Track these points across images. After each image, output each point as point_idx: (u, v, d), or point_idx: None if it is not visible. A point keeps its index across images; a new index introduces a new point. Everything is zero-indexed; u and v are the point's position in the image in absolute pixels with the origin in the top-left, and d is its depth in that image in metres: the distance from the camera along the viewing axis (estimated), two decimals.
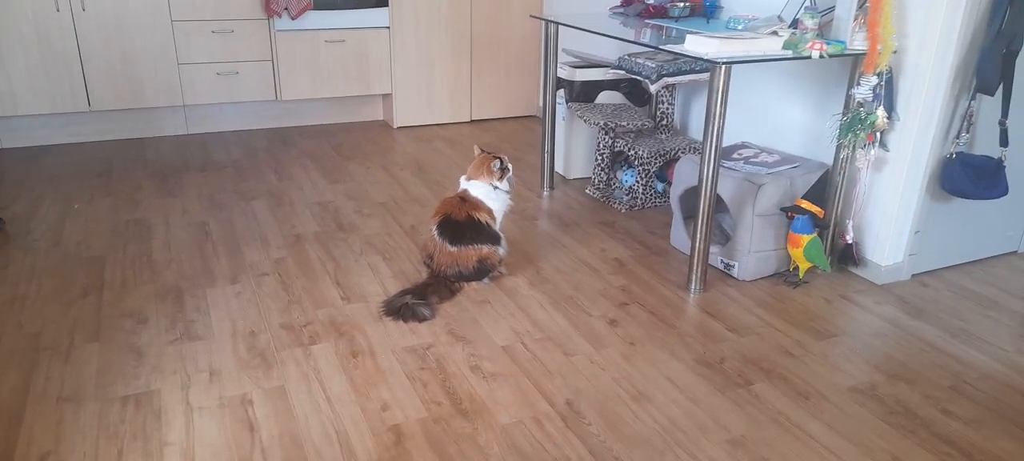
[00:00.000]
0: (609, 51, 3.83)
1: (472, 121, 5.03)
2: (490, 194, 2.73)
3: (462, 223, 2.62)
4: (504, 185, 2.76)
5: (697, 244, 2.64)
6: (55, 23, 3.91)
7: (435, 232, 2.64)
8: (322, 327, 2.41)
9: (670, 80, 3.29)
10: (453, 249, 2.61)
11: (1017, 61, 2.54)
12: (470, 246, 2.62)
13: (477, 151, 2.79)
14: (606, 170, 3.64)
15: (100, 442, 1.85)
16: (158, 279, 2.69)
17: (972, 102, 2.64)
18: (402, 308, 2.46)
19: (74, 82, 4.05)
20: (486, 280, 2.72)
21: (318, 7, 4.37)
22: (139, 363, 2.18)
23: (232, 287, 2.65)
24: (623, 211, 3.50)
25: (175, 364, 2.18)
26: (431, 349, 2.30)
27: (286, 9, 4.27)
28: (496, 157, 2.74)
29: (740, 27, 2.80)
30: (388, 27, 4.58)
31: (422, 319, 2.44)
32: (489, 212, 2.71)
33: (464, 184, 2.75)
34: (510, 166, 2.79)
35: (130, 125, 4.39)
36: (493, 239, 2.68)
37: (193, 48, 4.23)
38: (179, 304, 2.52)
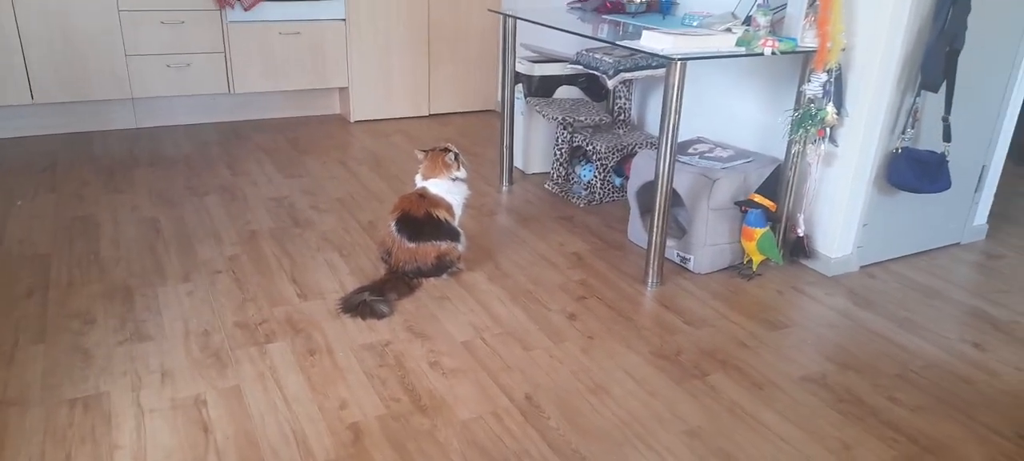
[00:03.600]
0: (567, 46, 3.85)
1: (430, 115, 5.00)
2: (450, 188, 2.72)
3: (420, 220, 2.61)
4: (462, 173, 2.76)
5: (654, 238, 2.68)
6: None
7: (393, 228, 2.62)
8: (278, 325, 2.37)
9: (627, 76, 3.31)
10: (411, 245, 2.59)
11: (959, 59, 2.63)
12: (429, 242, 2.61)
13: (420, 155, 2.76)
14: (565, 165, 3.65)
15: (47, 447, 1.79)
16: (106, 278, 2.62)
17: (917, 99, 2.72)
18: (360, 305, 2.44)
19: (15, 73, 3.90)
20: (445, 275, 2.71)
21: None
22: (87, 365, 2.12)
23: (184, 285, 2.59)
24: (581, 205, 3.52)
25: (125, 365, 2.13)
26: (389, 346, 2.29)
27: (239, 0, 4.17)
28: (445, 149, 2.74)
29: (695, 23, 2.84)
30: (344, 19, 4.51)
31: (380, 316, 2.42)
32: (448, 208, 2.70)
33: (422, 183, 2.73)
34: (458, 152, 2.79)
35: (76, 118, 4.25)
36: (452, 235, 2.67)
37: (142, 39, 4.11)
38: (129, 303, 2.46)
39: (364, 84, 4.71)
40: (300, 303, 2.52)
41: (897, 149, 2.77)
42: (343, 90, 4.80)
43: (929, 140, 2.83)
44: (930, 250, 3.17)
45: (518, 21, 3.40)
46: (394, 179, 3.75)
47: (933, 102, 2.76)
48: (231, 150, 4.09)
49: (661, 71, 3.36)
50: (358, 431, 1.90)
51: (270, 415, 1.95)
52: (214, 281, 2.63)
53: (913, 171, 2.75)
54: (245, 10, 4.22)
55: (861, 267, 2.97)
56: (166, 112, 4.46)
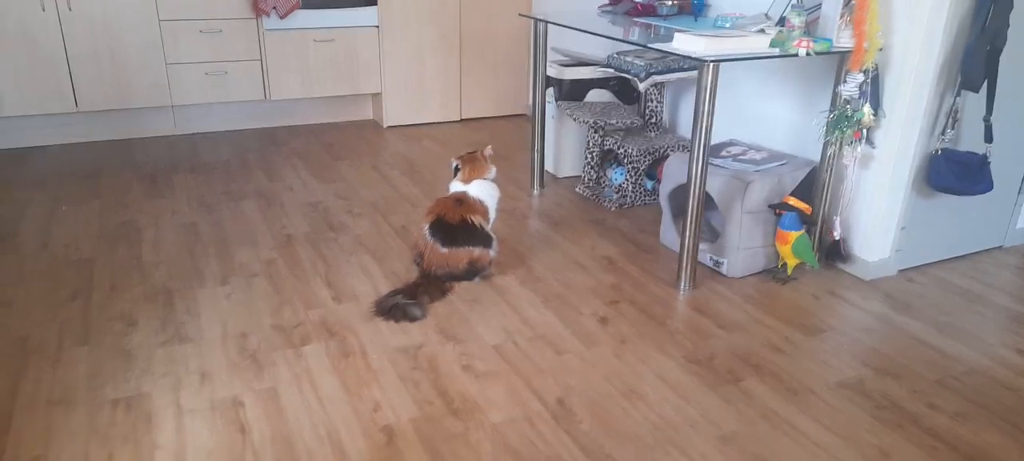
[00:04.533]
0: (598, 49, 3.85)
1: (462, 120, 5.04)
2: (489, 190, 2.77)
3: (455, 226, 2.63)
4: (493, 172, 2.80)
5: (686, 241, 2.66)
6: (41, 23, 3.88)
7: (427, 232, 2.64)
8: (313, 328, 2.41)
9: (659, 78, 3.30)
10: (444, 251, 2.61)
11: (1001, 58, 2.57)
12: (462, 248, 2.63)
13: (455, 162, 2.81)
14: (596, 168, 3.65)
15: (90, 445, 1.85)
16: (148, 281, 2.69)
17: (957, 99, 2.66)
18: (393, 308, 2.46)
19: (61, 83, 4.02)
20: (477, 279, 2.72)
21: (307, 6, 4.36)
22: (129, 366, 2.18)
23: (222, 288, 2.65)
24: (613, 209, 3.51)
25: (165, 367, 2.18)
26: (422, 349, 2.31)
27: (274, 8, 4.25)
28: (476, 152, 2.79)
29: (727, 25, 2.82)
30: (377, 26, 4.57)
31: (413, 319, 2.45)
32: (484, 213, 2.72)
33: (462, 187, 2.74)
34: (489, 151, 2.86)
35: (118, 126, 4.37)
36: (485, 241, 2.68)
37: (181, 48, 4.21)
38: (169, 306, 2.52)
39: (397, 90, 4.76)
40: (334, 306, 2.55)
41: (937, 150, 2.71)
42: (376, 96, 4.85)
43: (970, 141, 2.76)
44: (971, 254, 3.09)
45: (549, 25, 3.41)
46: (426, 184, 3.78)
47: (974, 102, 2.70)
48: (267, 155, 4.17)
49: (693, 73, 3.34)
50: (391, 433, 1.92)
51: (305, 416, 1.98)
52: (251, 284, 2.68)
53: (954, 173, 2.69)
54: (281, 18, 4.30)
55: (899, 271, 2.91)
56: (205, 119, 4.56)
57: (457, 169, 2.79)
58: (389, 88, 4.73)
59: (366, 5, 4.50)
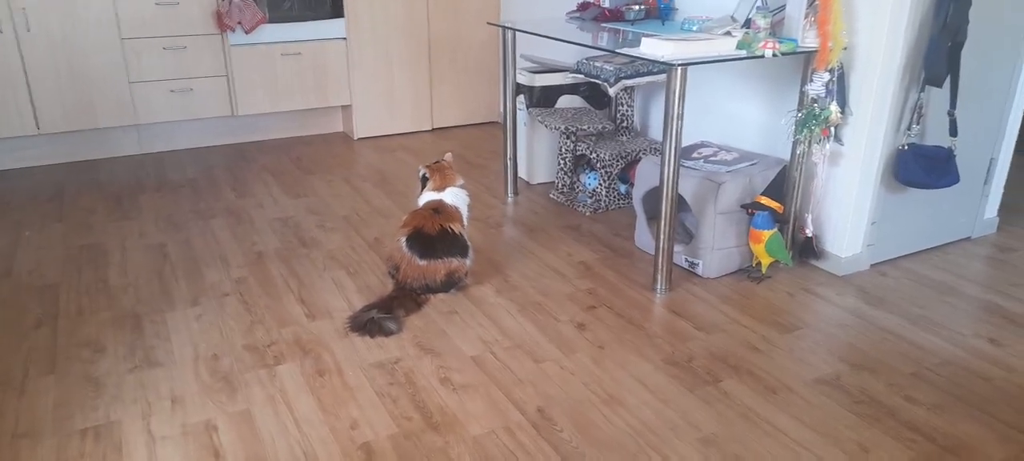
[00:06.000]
0: (567, 56, 3.85)
1: (433, 129, 5.01)
2: (462, 196, 2.77)
3: (434, 237, 2.60)
4: (461, 179, 2.81)
5: (661, 244, 2.66)
6: None
7: (403, 245, 2.61)
8: (287, 346, 2.37)
9: (628, 82, 3.31)
10: (422, 263, 2.59)
11: (962, 53, 2.61)
12: (440, 260, 2.60)
13: (423, 170, 2.79)
14: (569, 174, 3.65)
15: None
16: (115, 305, 2.62)
17: (921, 94, 2.70)
18: (368, 323, 2.43)
19: (21, 104, 3.92)
20: (452, 291, 2.70)
21: (273, 20, 4.31)
22: (98, 394, 2.12)
23: (193, 310, 2.59)
24: (587, 214, 3.51)
25: (135, 393, 2.12)
26: (399, 363, 2.28)
27: (239, 23, 4.20)
28: (440, 161, 2.81)
29: (694, 28, 2.84)
30: (345, 38, 4.53)
31: (389, 333, 2.42)
32: (461, 219, 2.71)
33: (436, 195, 2.72)
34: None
35: (81, 147, 4.27)
36: (463, 250, 2.66)
37: (145, 66, 4.13)
38: (138, 330, 2.46)
39: (366, 101, 4.72)
40: (308, 323, 2.51)
41: (903, 145, 2.75)
42: (346, 108, 4.81)
43: (936, 135, 2.81)
44: (941, 246, 3.14)
45: (517, 33, 3.41)
46: (399, 195, 3.75)
47: (938, 97, 2.74)
48: (236, 172, 4.10)
49: (663, 77, 3.36)
50: (370, 451, 1.89)
51: (281, 438, 1.94)
52: (222, 304, 2.63)
53: (921, 167, 2.73)
54: (246, 33, 4.24)
55: (872, 265, 2.94)
56: (170, 137, 4.48)
57: (425, 179, 2.77)
58: (359, 100, 4.69)
59: (333, 18, 4.46)
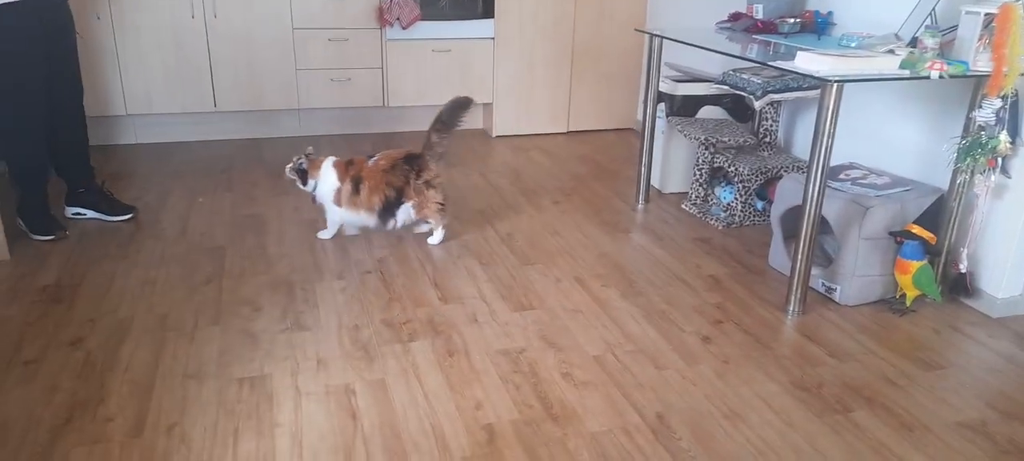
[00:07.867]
0: (712, 66, 3.80)
1: (569, 132, 5.08)
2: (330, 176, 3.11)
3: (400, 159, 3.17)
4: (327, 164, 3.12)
5: (798, 265, 2.59)
6: (190, 29, 4.23)
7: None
8: (420, 325, 2.51)
9: (776, 96, 3.23)
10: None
11: None
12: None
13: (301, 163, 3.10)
14: (704, 186, 3.60)
15: (219, 418, 2.01)
16: (272, 271, 2.88)
17: None
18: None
19: (203, 84, 4.37)
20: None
21: (426, 18, 4.53)
22: (254, 348, 2.34)
23: (338, 283, 2.80)
24: (720, 228, 3.45)
25: (286, 351, 2.33)
26: (524, 353, 2.36)
27: (398, 19, 4.45)
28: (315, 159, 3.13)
29: (854, 45, 2.73)
30: (493, 38, 4.69)
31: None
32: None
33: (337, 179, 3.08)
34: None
35: (250, 126, 4.69)
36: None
37: (310, 55, 4.48)
38: (290, 295, 2.69)
39: (507, 100, 4.86)
40: (441, 306, 2.65)
41: None
42: (487, 106, 4.97)
43: None
44: None
45: (664, 41, 3.40)
46: (531, 194, 3.85)
47: None
48: None
49: (812, 93, 3.24)
50: (492, 432, 1.98)
51: (411, 409, 2.07)
52: (364, 280, 2.82)
53: None
54: (404, 29, 4.49)
55: None
56: (325, 122, 4.82)
57: (304, 171, 3.09)
58: (500, 98, 4.84)
59: (483, 18, 4.63)
